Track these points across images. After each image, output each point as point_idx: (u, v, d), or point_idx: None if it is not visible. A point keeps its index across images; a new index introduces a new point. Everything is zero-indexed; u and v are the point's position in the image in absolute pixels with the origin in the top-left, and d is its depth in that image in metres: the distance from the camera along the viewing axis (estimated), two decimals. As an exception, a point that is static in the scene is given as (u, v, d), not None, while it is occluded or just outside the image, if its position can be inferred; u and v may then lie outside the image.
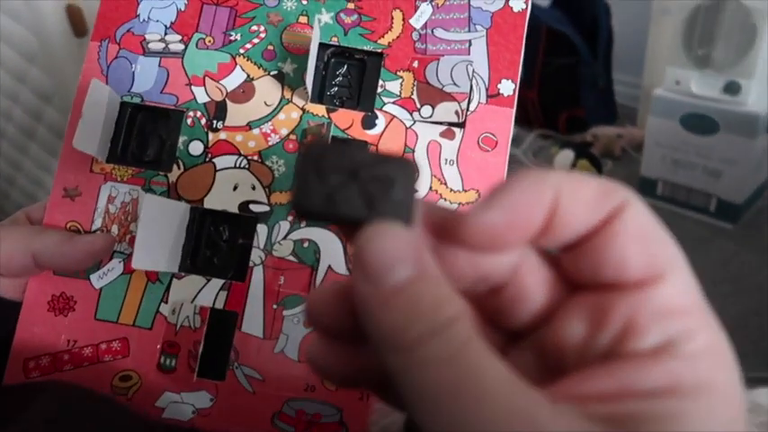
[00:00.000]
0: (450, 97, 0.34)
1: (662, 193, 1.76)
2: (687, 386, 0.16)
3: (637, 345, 0.17)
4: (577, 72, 2.16)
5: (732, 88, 1.63)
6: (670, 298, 0.17)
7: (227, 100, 0.34)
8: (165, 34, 0.34)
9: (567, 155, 1.88)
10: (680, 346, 0.17)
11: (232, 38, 0.35)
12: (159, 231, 0.31)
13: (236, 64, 0.34)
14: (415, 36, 0.35)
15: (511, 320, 0.20)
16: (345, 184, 0.18)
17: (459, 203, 0.34)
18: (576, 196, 0.18)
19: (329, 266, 0.33)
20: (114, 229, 0.33)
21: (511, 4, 0.35)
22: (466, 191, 0.34)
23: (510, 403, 0.15)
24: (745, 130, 1.62)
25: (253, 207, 0.34)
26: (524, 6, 0.36)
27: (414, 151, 0.34)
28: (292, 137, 0.34)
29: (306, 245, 0.33)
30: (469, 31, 0.35)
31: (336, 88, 0.35)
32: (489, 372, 0.16)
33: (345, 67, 0.35)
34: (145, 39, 0.34)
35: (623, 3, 2.14)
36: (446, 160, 0.34)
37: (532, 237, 0.18)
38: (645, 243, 0.18)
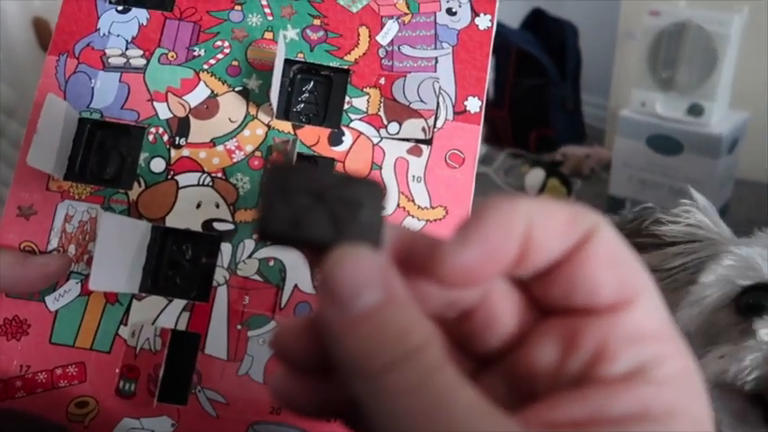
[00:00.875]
0: (416, 114, 0.34)
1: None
2: (658, 412, 0.16)
3: (608, 370, 0.17)
4: (546, 93, 2.20)
5: (695, 110, 1.68)
6: (641, 322, 0.17)
7: (190, 116, 0.34)
8: (127, 49, 0.34)
9: (537, 174, 1.90)
10: (651, 371, 0.17)
11: (196, 53, 0.34)
12: (118, 250, 0.30)
13: (199, 80, 0.34)
14: (381, 53, 0.35)
15: (481, 346, 0.19)
16: (311, 206, 0.17)
17: (427, 220, 0.33)
18: (547, 225, 0.18)
19: (295, 285, 0.32)
20: (71, 249, 0.32)
21: (477, 22, 0.36)
22: (434, 207, 0.34)
23: (483, 430, 0.15)
24: (709, 150, 1.66)
25: (217, 225, 0.33)
26: (490, 25, 0.36)
27: (381, 168, 0.34)
28: (257, 153, 0.33)
29: (271, 263, 0.33)
30: (436, 48, 0.35)
31: (303, 105, 0.35)
32: (460, 399, 0.15)
33: (312, 83, 0.35)
34: (105, 53, 0.34)
35: (591, 26, 2.20)
36: (413, 177, 0.34)
37: (506, 269, 0.18)
38: (615, 268, 0.18)
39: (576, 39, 2.21)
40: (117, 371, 0.31)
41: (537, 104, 2.21)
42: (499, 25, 1.96)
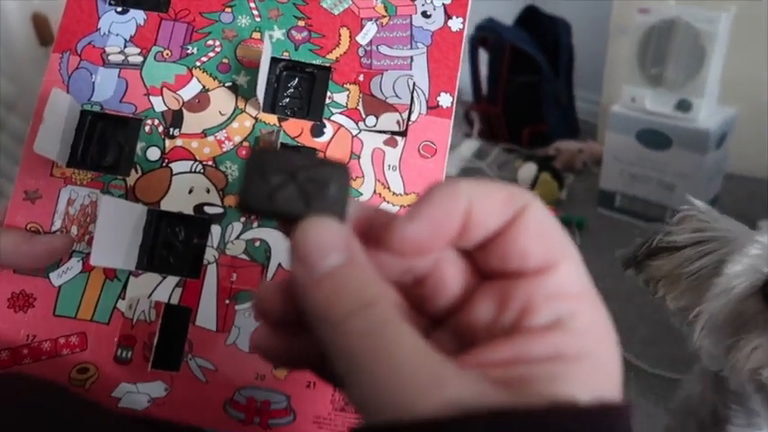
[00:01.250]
0: (392, 108, 0.37)
1: (620, 205, 1.82)
2: (570, 355, 0.19)
3: (531, 322, 0.20)
4: (540, 89, 2.22)
5: (684, 106, 1.70)
6: (561, 284, 0.20)
7: (183, 109, 0.36)
8: (125, 47, 0.37)
9: (529, 168, 1.93)
10: (567, 323, 0.20)
11: (189, 51, 0.37)
12: (117, 231, 0.33)
13: (192, 76, 0.37)
14: (360, 52, 0.38)
15: (433, 306, 0.22)
16: (285, 184, 0.20)
17: (401, 206, 0.36)
18: (485, 203, 0.21)
19: (279, 264, 0.35)
20: (74, 230, 0.35)
21: (449, 24, 0.39)
22: (407, 194, 0.37)
23: (421, 367, 0.18)
24: (696, 145, 1.69)
25: (207, 209, 0.36)
26: (461, 27, 0.39)
27: (359, 158, 0.37)
28: (245, 144, 0.36)
29: (257, 244, 0.36)
30: (411, 48, 0.38)
31: (288, 99, 0.38)
32: (405, 342, 0.19)
33: (296, 79, 0.38)
34: (105, 51, 0.37)
35: (584, 23, 2.21)
36: (389, 166, 0.37)
37: (451, 242, 0.21)
38: (542, 239, 0.21)
39: (570, 36, 2.23)
40: (115, 340, 0.34)
41: (531, 100, 2.23)
42: (493, 22, 1.97)
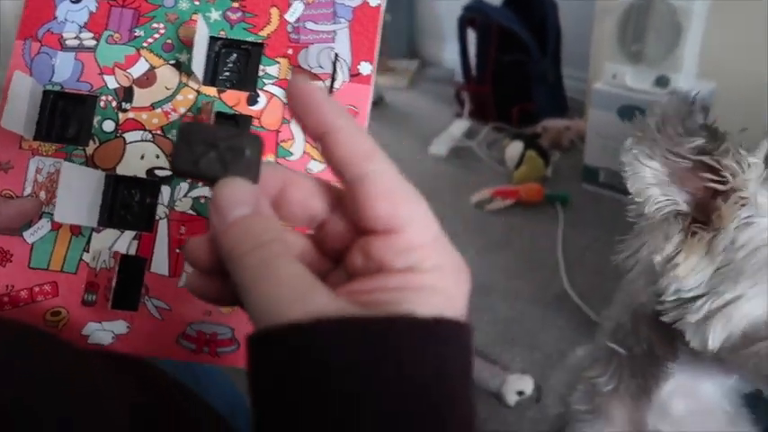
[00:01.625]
0: (317, 77, 0.42)
1: (604, 180, 1.86)
2: (416, 286, 0.25)
3: (390, 267, 0.25)
4: (528, 68, 2.24)
5: (662, 81, 1.73)
6: (409, 240, 0.26)
7: (133, 86, 0.42)
8: (80, 32, 0.42)
9: (516, 146, 1.97)
10: (418, 266, 0.25)
11: (136, 34, 0.42)
12: (78, 191, 0.39)
13: (140, 56, 0.42)
14: (289, 28, 0.43)
15: (329, 249, 0.28)
16: (207, 152, 0.26)
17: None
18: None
19: (222, 217, 0.41)
20: (42, 194, 0.40)
21: (368, 0, 0.43)
22: (333, 152, 0.42)
23: (294, 288, 0.24)
24: None
25: (158, 172, 0.41)
26: (380, 2, 0.44)
27: (290, 122, 0.42)
28: (189, 114, 0.42)
29: (203, 201, 0.41)
30: (334, 23, 0.43)
31: (227, 73, 0.43)
32: (285, 271, 0.24)
33: (233, 55, 0.43)
34: (62, 37, 0.42)
35: (570, 2, 2.23)
36: (317, 128, 0.42)
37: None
38: (386, 203, 0.26)
39: (557, 15, 2.25)
40: (82, 287, 0.40)
41: (519, 80, 2.25)
42: (481, 3, 1.98)
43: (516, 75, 2.25)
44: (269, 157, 0.41)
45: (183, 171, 0.26)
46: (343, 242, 0.27)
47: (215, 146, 0.25)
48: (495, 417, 1.18)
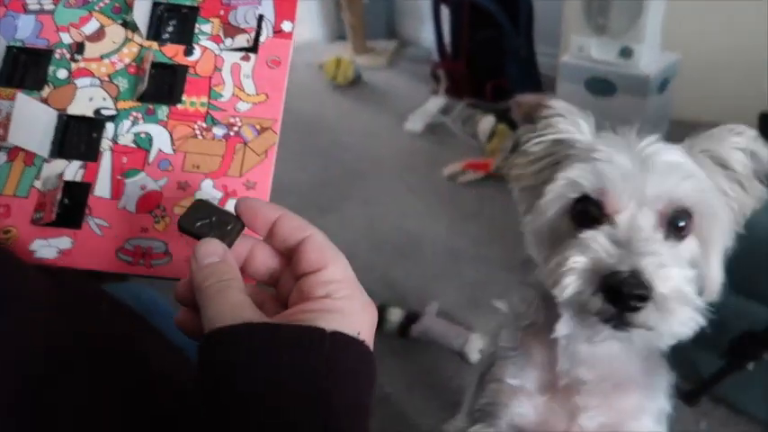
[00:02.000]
0: (243, 31, 0.49)
1: (576, 151, 1.88)
2: (328, 309, 0.34)
3: (313, 295, 0.34)
4: (501, 44, 2.23)
5: (626, 53, 1.76)
6: (330, 275, 0.35)
7: (85, 41, 0.48)
8: (40, -2, 0.49)
9: (488, 120, 2.04)
10: (333, 295, 0.34)
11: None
12: (31, 120, 0.44)
13: (92, 16, 0.49)
14: (222, -5, 0.50)
15: (283, 298, 0.38)
16: (205, 221, 0.37)
17: (253, 103, 0.48)
18: (287, 219, 0.37)
19: (159, 149, 0.46)
20: (0, 131, 0.46)
21: (290, -30, 0.51)
22: (258, 94, 0.48)
23: (236, 307, 0.33)
24: (638, 90, 1.75)
25: (104, 112, 0.47)
26: (299, -27, 0.51)
27: (221, 70, 0.48)
28: (133, 64, 0.48)
29: (143, 135, 0.47)
30: (261, -10, 0.50)
31: (168, 33, 0.50)
32: (231, 298, 0.34)
33: (175, 20, 0.50)
34: (26, 3, 0.49)
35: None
36: (244, 75, 0.48)
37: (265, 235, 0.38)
38: (318, 253, 0.36)
39: (528, -9, 2.20)
40: (32, 208, 0.45)
41: (492, 56, 2.25)
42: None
43: (490, 51, 2.25)
44: (202, 99, 0.48)
45: (184, 228, 0.37)
46: (290, 289, 0.37)
47: (211, 217, 0.37)
48: (458, 373, 1.21)
